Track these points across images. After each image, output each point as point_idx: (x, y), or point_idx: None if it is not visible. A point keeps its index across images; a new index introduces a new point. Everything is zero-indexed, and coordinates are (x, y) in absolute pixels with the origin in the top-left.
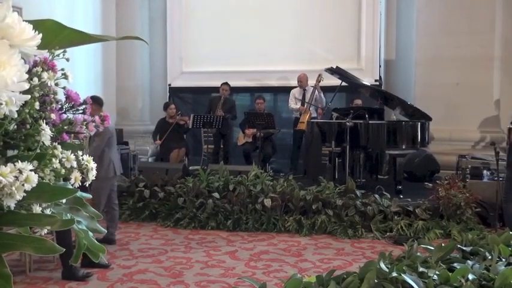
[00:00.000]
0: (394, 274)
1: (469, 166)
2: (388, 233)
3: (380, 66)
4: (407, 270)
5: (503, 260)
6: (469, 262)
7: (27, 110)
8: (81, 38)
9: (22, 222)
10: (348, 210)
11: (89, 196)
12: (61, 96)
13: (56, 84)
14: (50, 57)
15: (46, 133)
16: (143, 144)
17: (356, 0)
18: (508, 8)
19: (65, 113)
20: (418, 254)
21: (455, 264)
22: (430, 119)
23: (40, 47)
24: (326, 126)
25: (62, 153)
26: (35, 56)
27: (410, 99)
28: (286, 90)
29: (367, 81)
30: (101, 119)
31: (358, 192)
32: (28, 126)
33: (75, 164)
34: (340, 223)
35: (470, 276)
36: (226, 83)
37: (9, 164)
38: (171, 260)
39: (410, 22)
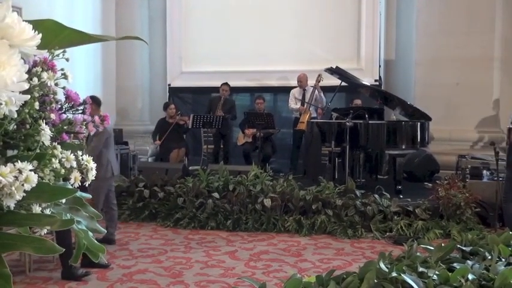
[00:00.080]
0: (394, 274)
1: (469, 166)
2: (387, 233)
3: (380, 66)
4: (407, 270)
5: (503, 260)
6: (469, 262)
7: (27, 110)
8: (80, 38)
9: (22, 222)
10: (347, 210)
11: (89, 196)
12: (61, 96)
13: (56, 84)
14: (50, 57)
15: (46, 133)
16: (143, 144)
17: (356, 0)
18: (508, 8)
19: (64, 113)
20: (418, 254)
21: (455, 264)
22: (429, 119)
23: (40, 47)
24: (326, 126)
25: (61, 153)
26: (34, 56)
27: (410, 99)
28: (286, 90)
29: (367, 81)
30: (100, 119)
31: (357, 192)
32: (28, 126)
33: (74, 164)
34: (340, 223)
35: (470, 276)
36: (226, 83)
37: (9, 164)
38: (170, 260)
39: (410, 22)
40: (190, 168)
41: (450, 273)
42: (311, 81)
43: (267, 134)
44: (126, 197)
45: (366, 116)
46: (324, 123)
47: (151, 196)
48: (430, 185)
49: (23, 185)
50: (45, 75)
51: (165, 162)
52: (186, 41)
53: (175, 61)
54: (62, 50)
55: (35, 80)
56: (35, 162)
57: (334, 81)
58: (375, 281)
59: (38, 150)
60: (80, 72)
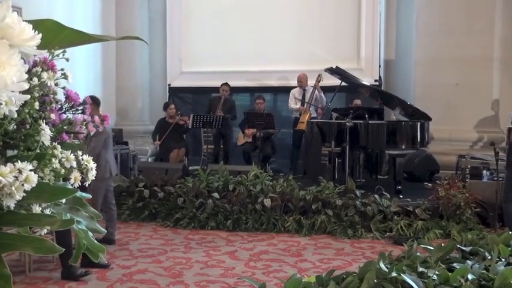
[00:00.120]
0: (394, 274)
1: (469, 166)
2: (387, 233)
3: (380, 66)
4: (407, 270)
5: (503, 260)
6: (469, 262)
7: (26, 110)
8: (80, 38)
9: (22, 222)
10: (347, 210)
11: (89, 196)
12: (61, 96)
13: (56, 84)
14: (50, 57)
15: (46, 133)
16: (143, 144)
17: (356, 0)
18: (508, 9)
19: (64, 113)
20: (418, 254)
21: (454, 264)
22: (429, 119)
23: (40, 47)
24: (326, 126)
25: (61, 153)
26: (34, 56)
27: (410, 99)
28: (286, 90)
29: (367, 81)
30: (100, 119)
31: (357, 192)
32: (28, 126)
33: (74, 164)
34: (340, 223)
35: (470, 276)
36: (226, 84)
37: (9, 164)
38: (170, 260)
39: (410, 22)
40: (190, 168)
41: (450, 273)
42: (311, 81)
43: (267, 134)
44: (126, 197)
45: (366, 116)
46: (324, 123)
47: (151, 196)
48: (430, 185)
49: (23, 185)
50: (45, 75)
51: (165, 162)
52: (186, 41)
53: (175, 61)
54: (62, 50)
55: (35, 80)
56: (35, 162)
57: (334, 81)
58: (375, 281)
59: (38, 150)
60: (80, 72)
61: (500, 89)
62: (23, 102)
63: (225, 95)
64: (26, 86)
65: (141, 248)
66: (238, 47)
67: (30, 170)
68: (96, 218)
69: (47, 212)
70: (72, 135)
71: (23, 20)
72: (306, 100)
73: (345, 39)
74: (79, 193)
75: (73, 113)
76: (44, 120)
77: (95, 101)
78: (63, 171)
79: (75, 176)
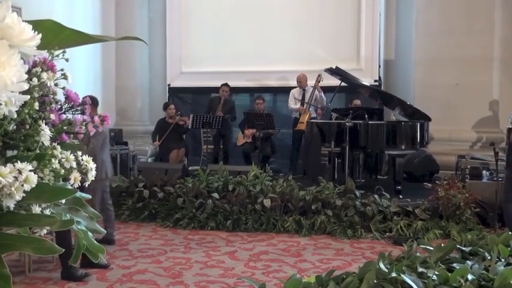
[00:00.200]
0: (394, 274)
1: (469, 166)
2: (387, 233)
3: (379, 66)
4: (407, 271)
5: (503, 260)
6: (469, 262)
7: (26, 111)
8: (80, 38)
9: (21, 222)
10: (347, 211)
11: (88, 196)
12: (60, 96)
13: (56, 85)
14: (50, 57)
15: (45, 133)
16: (142, 144)
17: (356, 0)
18: (508, 9)
19: (64, 113)
20: (418, 254)
21: (454, 265)
22: (429, 119)
23: (39, 47)
24: (325, 127)
25: (61, 154)
26: (34, 56)
27: (409, 100)
28: (286, 90)
29: (367, 81)
30: (100, 119)
31: (357, 193)
32: (27, 126)
33: (74, 165)
34: (340, 223)
35: (470, 277)
36: (226, 84)
37: (8, 165)
38: (170, 261)
39: (409, 22)
40: (190, 168)
41: (450, 274)
42: (311, 82)
43: (266, 134)
44: (126, 197)
45: (366, 116)
46: (323, 124)
47: (150, 196)
48: (429, 185)
49: (22, 185)
50: (44, 75)
51: (164, 162)
52: (185, 41)
53: (175, 61)
54: (61, 51)
55: (35, 80)
56: (35, 163)
57: (334, 81)
58: (375, 281)
59: (37, 151)
60: (80, 73)
61: (500, 89)
62: (23, 103)
63: (225, 96)
64: (26, 86)
65: (140, 248)
66: (238, 47)
67: (30, 171)
68: (96, 219)
69: (47, 212)
70: (71, 135)
71: (23, 20)
72: (306, 100)
73: (345, 40)
74: (79, 193)
75: (73, 114)
76: (44, 121)
77: (92, 101)
78: (62, 171)
79: (75, 176)
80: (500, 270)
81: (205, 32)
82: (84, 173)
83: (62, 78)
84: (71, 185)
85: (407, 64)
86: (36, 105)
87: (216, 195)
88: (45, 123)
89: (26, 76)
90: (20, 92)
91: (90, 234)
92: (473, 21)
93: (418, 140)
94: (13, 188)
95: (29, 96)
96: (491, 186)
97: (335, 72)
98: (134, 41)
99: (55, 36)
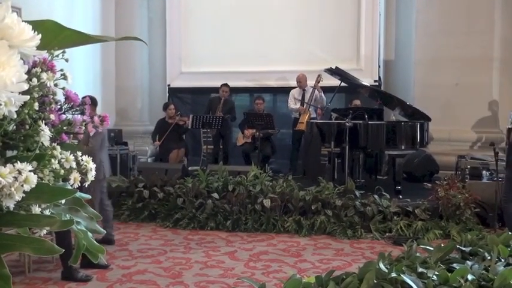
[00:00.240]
0: (394, 274)
1: (468, 166)
2: (387, 234)
3: (379, 66)
4: (407, 271)
5: (503, 260)
6: (468, 262)
7: (26, 111)
8: (80, 39)
9: (21, 222)
10: (347, 211)
11: (88, 197)
12: (60, 96)
13: (55, 85)
14: (49, 57)
15: (45, 134)
16: (142, 144)
17: (355, 0)
18: (507, 9)
19: (64, 113)
20: (418, 254)
21: (454, 265)
22: (429, 119)
23: (39, 47)
24: (325, 127)
25: (61, 154)
26: (34, 56)
27: (409, 100)
28: (286, 90)
29: (367, 81)
30: (100, 119)
31: (357, 193)
32: (27, 126)
33: (74, 165)
34: (340, 223)
35: (470, 277)
36: (226, 85)
37: (8, 165)
38: (170, 261)
39: (409, 22)
40: (189, 168)
41: (450, 274)
42: (310, 82)
43: (266, 134)
44: (126, 198)
45: (366, 116)
46: (323, 124)
47: (150, 196)
48: (429, 185)
49: (22, 185)
50: (44, 75)
51: (164, 162)
52: (185, 41)
53: (174, 61)
54: (61, 51)
55: (35, 80)
56: (35, 163)
57: (334, 81)
58: (375, 281)
59: (37, 151)
60: (80, 73)
61: (499, 89)
62: (23, 103)
63: (225, 96)
64: (26, 86)
65: (140, 248)
66: (238, 47)
67: (30, 171)
68: (96, 219)
69: (47, 212)
70: (71, 135)
71: (23, 21)
72: (306, 100)
73: (345, 40)
74: (78, 194)
75: (72, 114)
76: (44, 121)
77: (92, 101)
78: (62, 171)
79: (75, 176)
80: (500, 271)
81: (205, 32)
82: (83, 173)
83: (62, 78)
84: (71, 185)
85: (407, 64)
86: (36, 105)
87: (215, 195)
88: (45, 124)
89: (26, 76)
90: (19, 92)
91: (90, 234)
92: (473, 21)
93: (418, 140)
94: (13, 189)
95: (28, 97)
96: (491, 186)
97: (335, 72)
98: (134, 41)
99: (55, 36)
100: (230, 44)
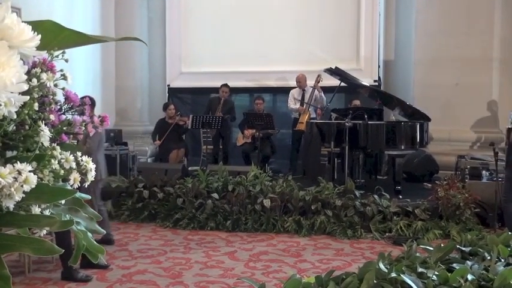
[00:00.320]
0: (393, 274)
1: (468, 166)
2: (387, 234)
3: (379, 66)
4: (407, 271)
5: (502, 260)
6: (468, 262)
7: (26, 111)
8: (80, 39)
9: (21, 223)
10: (347, 211)
11: (88, 197)
12: (60, 97)
13: (55, 85)
14: (49, 58)
15: (45, 134)
16: (142, 144)
17: (355, 0)
18: (508, 9)
19: (64, 114)
20: (417, 254)
21: (454, 265)
22: (429, 119)
23: (39, 48)
24: (325, 127)
25: (60, 154)
26: (34, 57)
27: (409, 100)
28: (285, 90)
29: (366, 81)
30: (100, 120)
31: (357, 193)
32: (27, 127)
33: (74, 165)
34: (340, 223)
35: (470, 277)
36: (225, 85)
37: (8, 165)
38: (170, 261)
39: (409, 22)
40: (189, 168)
41: (449, 274)
42: (310, 82)
43: (266, 134)
44: (126, 198)
45: (365, 116)
46: (323, 124)
47: (150, 197)
48: (429, 185)
49: (22, 186)
50: (44, 76)
51: (164, 162)
52: (185, 41)
53: (174, 62)
54: (61, 51)
55: (34, 81)
56: (34, 163)
57: (334, 81)
58: (374, 281)
59: (37, 151)
60: (79, 73)
61: (499, 89)
62: (22, 103)
63: (225, 96)
64: (25, 87)
65: (140, 248)
66: (237, 47)
67: (30, 171)
68: (96, 219)
69: (46, 212)
70: (71, 136)
71: (22, 21)
72: (305, 100)
73: (345, 40)
74: (78, 194)
75: (72, 114)
76: (44, 121)
77: (90, 101)
78: (62, 172)
79: (75, 177)
80: (500, 271)
81: (205, 32)
82: (83, 173)
83: (62, 78)
84: (71, 186)
85: (407, 64)
86: (36, 105)
87: (215, 195)
88: (45, 124)
89: (26, 77)
90: (19, 93)
91: (89, 234)
92: (473, 21)
93: (418, 140)
94: (13, 189)
95: (28, 97)
96: (491, 186)
97: (335, 72)
98: (134, 41)
99: (54, 36)
100: (230, 44)
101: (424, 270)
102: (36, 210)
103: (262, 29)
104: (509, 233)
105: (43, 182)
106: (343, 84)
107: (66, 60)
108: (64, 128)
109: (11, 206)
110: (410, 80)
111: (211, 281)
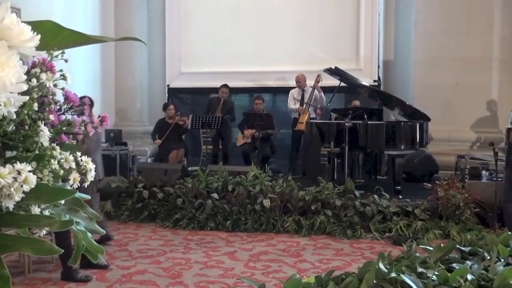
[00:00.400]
0: (393, 274)
1: (468, 166)
2: (387, 234)
3: (379, 66)
4: (406, 271)
5: (502, 260)
6: (468, 262)
7: (25, 111)
8: (79, 39)
9: (21, 223)
10: (347, 211)
11: (88, 197)
12: (60, 97)
13: (55, 85)
14: (49, 58)
15: (45, 134)
16: (142, 144)
17: (355, 0)
18: (507, 9)
19: (63, 114)
20: (417, 254)
21: (454, 265)
22: (428, 119)
23: (39, 48)
24: (325, 127)
25: (60, 154)
26: (33, 57)
27: (409, 100)
28: (285, 90)
29: (366, 81)
30: (100, 120)
31: (357, 193)
32: (27, 127)
33: (73, 165)
34: (339, 223)
35: (469, 277)
36: (225, 85)
37: (7, 165)
38: (170, 261)
39: (409, 22)
40: (189, 168)
41: (449, 274)
42: (310, 82)
43: (266, 134)
44: (125, 198)
45: (365, 116)
46: (323, 124)
47: (150, 197)
48: (429, 185)
49: (22, 186)
50: (44, 76)
51: (164, 162)
52: (185, 41)
53: (174, 62)
54: (60, 51)
55: (34, 81)
56: (34, 163)
57: (333, 81)
58: (374, 281)
59: (37, 151)
60: (79, 73)
61: (499, 89)
62: (22, 104)
63: (224, 97)
64: (25, 87)
65: (140, 248)
66: (237, 47)
67: (29, 171)
68: (95, 219)
69: (46, 213)
70: (71, 136)
71: (22, 21)
72: (305, 100)
73: (344, 40)
74: (78, 194)
75: (72, 114)
76: (43, 121)
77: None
78: (62, 172)
79: (74, 177)
80: (499, 270)
81: (205, 32)
82: (83, 173)
83: (61, 78)
84: (70, 186)
85: (407, 64)
86: (36, 106)
87: (215, 195)
88: (45, 124)
89: (25, 77)
90: (19, 93)
91: (89, 234)
92: (473, 21)
93: (418, 140)
94: (12, 189)
95: (28, 97)
96: (491, 186)
97: (334, 72)
98: (133, 41)
99: (54, 37)
100: (230, 44)
101: (424, 270)
102: (35, 210)
103: (262, 29)
104: (509, 232)
105: (43, 182)
106: (342, 84)
107: (66, 61)
108: (64, 128)
109: (11, 206)
110: (410, 80)
111: (211, 281)
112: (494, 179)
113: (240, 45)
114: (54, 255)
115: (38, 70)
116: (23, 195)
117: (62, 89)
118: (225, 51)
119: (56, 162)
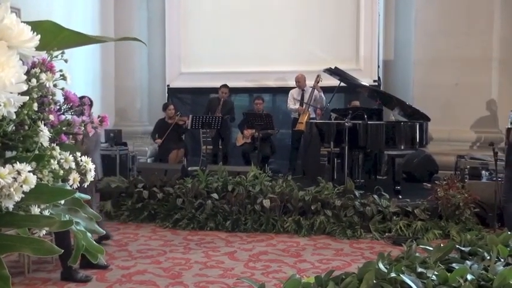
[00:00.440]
0: (393, 274)
1: (468, 166)
2: (386, 234)
3: (378, 66)
4: (406, 271)
5: (502, 260)
6: (468, 262)
7: (25, 111)
8: (79, 39)
9: (21, 223)
10: (346, 211)
11: (88, 197)
12: (60, 97)
13: (55, 86)
14: (48, 58)
15: (44, 134)
16: (142, 145)
17: (355, 0)
18: (507, 9)
19: (63, 114)
20: (417, 254)
21: (454, 265)
22: (428, 119)
23: (38, 48)
24: (325, 127)
25: (60, 155)
26: (33, 57)
27: (408, 100)
28: (285, 90)
29: (366, 81)
30: (99, 120)
31: (357, 193)
32: (26, 127)
33: (73, 165)
34: (339, 223)
35: (469, 277)
36: (225, 86)
37: (7, 165)
38: (170, 261)
39: (408, 22)
40: (189, 168)
41: (449, 274)
42: (309, 82)
43: (266, 134)
44: (125, 198)
45: (365, 116)
46: (322, 124)
47: (150, 197)
48: (429, 185)
49: (21, 186)
50: (43, 76)
51: (164, 163)
52: (185, 41)
53: (174, 62)
54: (60, 51)
55: (34, 81)
56: (34, 164)
57: (333, 81)
58: (374, 281)
59: (36, 152)
60: (79, 73)
61: (499, 89)
62: (22, 104)
63: (224, 97)
64: (25, 87)
65: (140, 248)
66: (237, 47)
67: (29, 171)
68: (95, 219)
69: (46, 213)
70: (70, 136)
71: (22, 21)
72: (305, 100)
73: (344, 40)
74: (78, 194)
75: (71, 114)
76: (43, 122)
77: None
78: (61, 172)
79: (74, 177)
80: (499, 270)
81: (205, 33)
82: (83, 173)
83: (61, 79)
84: (70, 186)
85: (407, 64)
86: (35, 106)
87: (215, 195)
88: (44, 124)
89: (25, 77)
90: (19, 93)
91: (89, 234)
92: (473, 21)
93: (418, 140)
94: (12, 189)
95: (27, 97)
96: (491, 186)
97: (334, 72)
98: (133, 41)
99: (54, 37)
100: (230, 44)
101: (424, 270)
102: (35, 210)
103: (262, 29)
104: (509, 232)
105: (42, 182)
106: (342, 84)
107: (66, 61)
108: (63, 128)
109: (11, 206)
110: (409, 80)
111: (210, 281)
112: (494, 179)
113: (240, 45)
114: (54, 255)
115: (37, 70)
116: (23, 196)
117: (62, 89)
118: (225, 51)
119: (56, 162)
